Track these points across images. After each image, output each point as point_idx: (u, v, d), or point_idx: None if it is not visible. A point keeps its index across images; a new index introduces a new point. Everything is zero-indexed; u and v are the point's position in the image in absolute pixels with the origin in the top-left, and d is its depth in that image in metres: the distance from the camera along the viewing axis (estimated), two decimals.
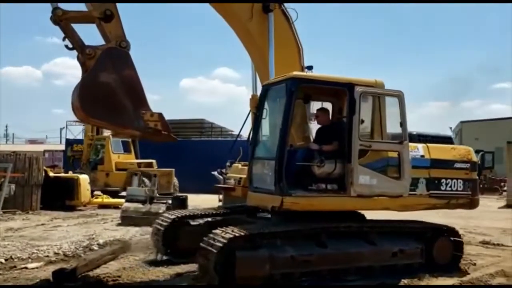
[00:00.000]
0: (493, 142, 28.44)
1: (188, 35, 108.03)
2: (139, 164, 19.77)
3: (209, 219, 7.82)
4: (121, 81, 6.09)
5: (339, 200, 6.78)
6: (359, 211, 7.48)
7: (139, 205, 11.93)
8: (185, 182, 19.25)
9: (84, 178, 15.82)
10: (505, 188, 22.11)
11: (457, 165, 7.57)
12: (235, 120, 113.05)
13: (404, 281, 6.70)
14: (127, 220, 11.68)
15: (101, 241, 9.16)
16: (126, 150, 20.67)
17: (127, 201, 12.41)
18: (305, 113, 7.88)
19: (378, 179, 6.85)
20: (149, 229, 10.50)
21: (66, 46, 6.19)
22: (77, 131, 32.06)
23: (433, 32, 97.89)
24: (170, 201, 12.05)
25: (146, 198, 12.08)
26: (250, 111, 8.48)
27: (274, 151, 6.64)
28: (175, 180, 19.18)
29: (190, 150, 21.54)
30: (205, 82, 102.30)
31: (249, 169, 7.28)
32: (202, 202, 14.22)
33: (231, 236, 5.93)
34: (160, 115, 6.23)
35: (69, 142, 26.15)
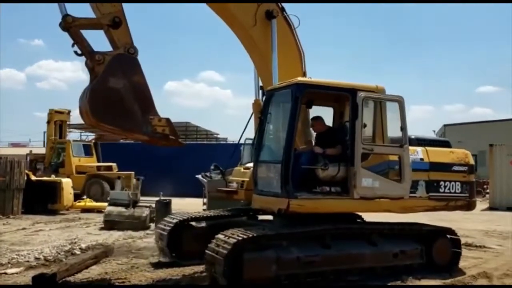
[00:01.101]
0: (476, 145, 28.89)
1: (174, 37, 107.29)
2: (98, 167, 20.01)
3: (212, 222, 7.92)
4: (130, 87, 6.17)
5: (343, 202, 6.94)
6: (359, 213, 7.67)
7: (122, 209, 11.92)
8: (171, 186, 19.27)
9: (67, 182, 15.69)
10: (488, 191, 22.59)
11: (455, 168, 7.78)
12: (221, 123, 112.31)
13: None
14: (110, 224, 11.67)
15: (83, 246, 9.10)
16: (88, 153, 20.84)
17: (110, 205, 12.35)
18: (307, 118, 8.02)
19: (380, 182, 7.03)
20: (133, 233, 10.68)
21: (75, 52, 6.27)
22: None
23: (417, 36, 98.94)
24: (153, 205, 12.03)
25: (129, 202, 12.07)
26: (251, 114, 8.60)
27: (280, 154, 6.79)
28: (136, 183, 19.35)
29: (175, 154, 21.48)
30: (190, 86, 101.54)
31: (254, 173, 7.37)
32: (186, 206, 14.27)
33: (240, 238, 6.03)
34: (168, 120, 6.35)
35: None
